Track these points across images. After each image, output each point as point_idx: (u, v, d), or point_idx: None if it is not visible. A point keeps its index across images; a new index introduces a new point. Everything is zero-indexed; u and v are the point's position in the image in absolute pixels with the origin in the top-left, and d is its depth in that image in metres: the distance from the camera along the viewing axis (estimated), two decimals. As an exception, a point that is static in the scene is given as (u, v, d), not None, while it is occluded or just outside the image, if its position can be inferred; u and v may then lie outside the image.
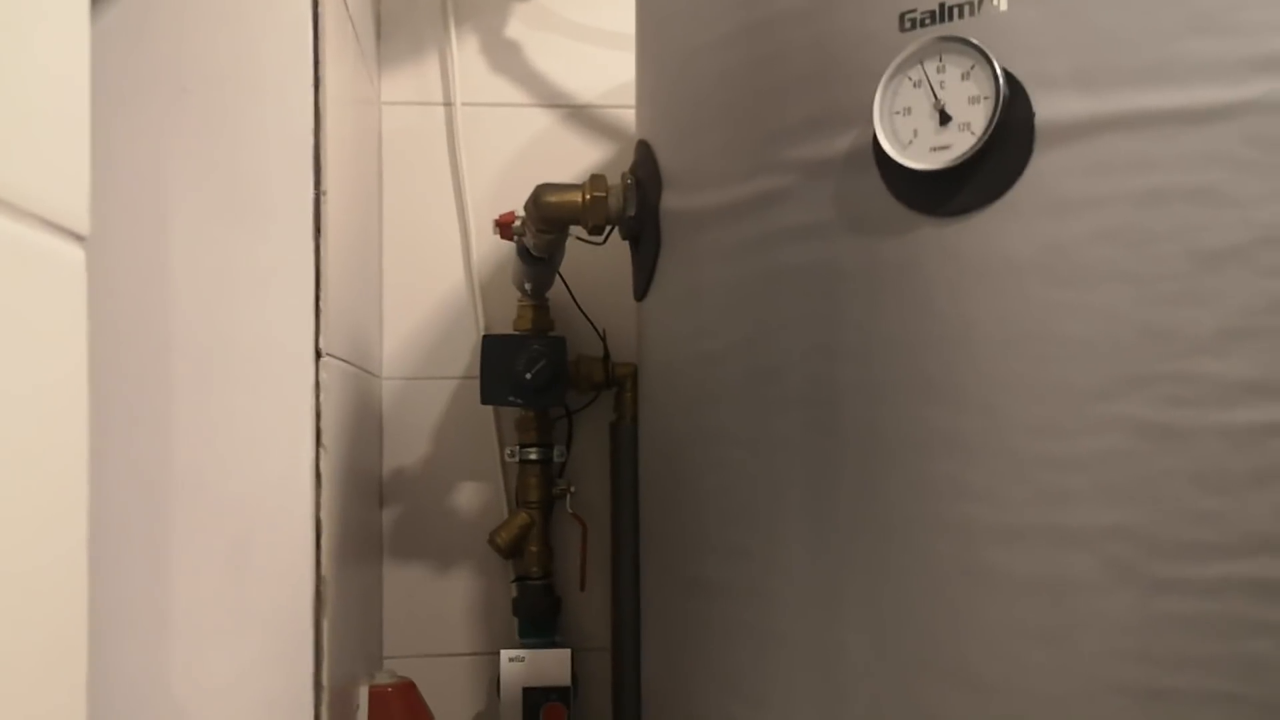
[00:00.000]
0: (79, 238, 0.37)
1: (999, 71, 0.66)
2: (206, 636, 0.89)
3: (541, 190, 1.05)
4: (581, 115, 1.45)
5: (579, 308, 1.39)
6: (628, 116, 1.40)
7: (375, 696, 1.16)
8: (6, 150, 0.31)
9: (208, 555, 0.89)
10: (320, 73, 0.94)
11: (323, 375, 0.95)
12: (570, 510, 1.39)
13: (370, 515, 1.31)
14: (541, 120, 1.44)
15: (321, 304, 0.94)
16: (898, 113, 0.71)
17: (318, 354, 0.94)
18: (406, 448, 1.42)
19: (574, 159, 1.43)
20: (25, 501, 0.33)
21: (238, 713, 0.91)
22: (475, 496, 1.43)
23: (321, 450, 0.95)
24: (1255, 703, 0.62)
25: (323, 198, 0.95)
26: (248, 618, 0.92)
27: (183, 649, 0.89)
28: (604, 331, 1.37)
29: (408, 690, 1.19)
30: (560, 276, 1.34)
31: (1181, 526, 0.63)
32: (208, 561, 0.89)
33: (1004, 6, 0.68)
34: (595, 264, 1.35)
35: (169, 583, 0.88)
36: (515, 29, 1.44)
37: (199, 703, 0.89)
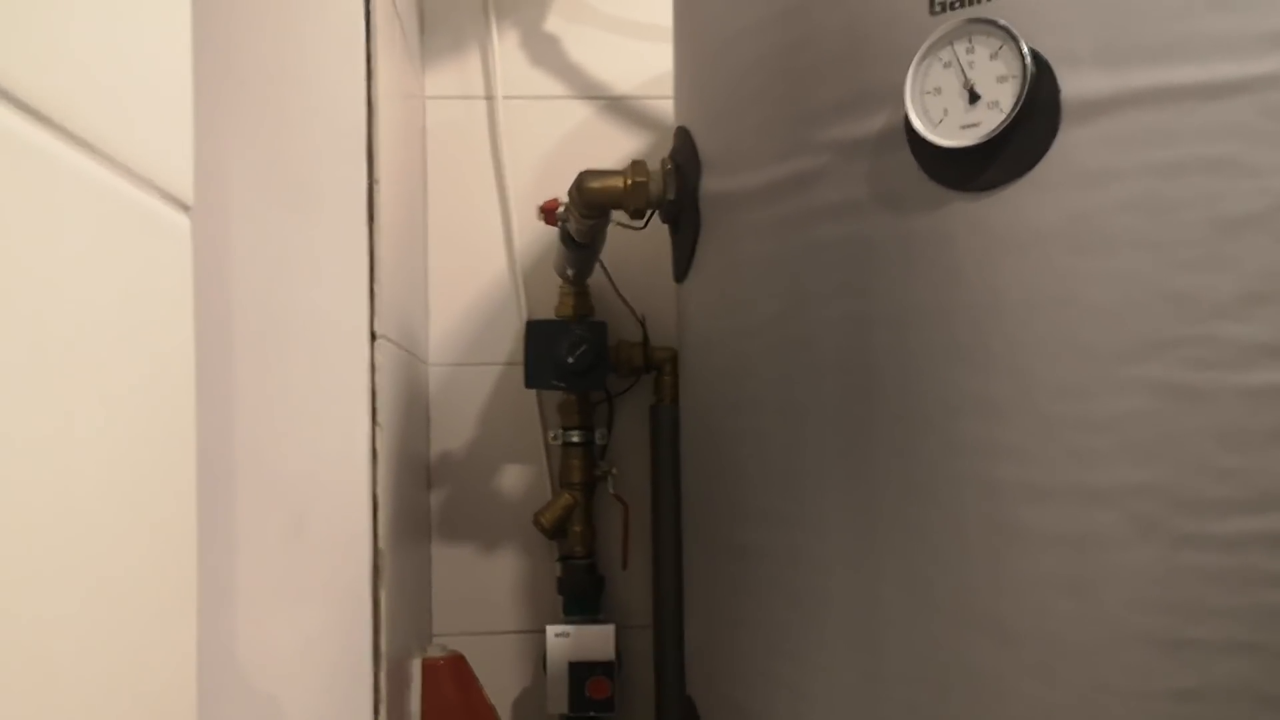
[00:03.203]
0: (185, 207, 0.41)
1: (1026, 51, 0.69)
2: (269, 607, 0.93)
3: (584, 176, 1.09)
4: (620, 106, 1.48)
5: (619, 294, 1.42)
6: (665, 107, 1.44)
7: (428, 669, 1.21)
8: (129, 120, 0.35)
9: (269, 529, 0.93)
10: (372, 66, 0.98)
11: (377, 356, 0.98)
12: (612, 491, 1.43)
13: (419, 497, 1.35)
14: (581, 112, 1.48)
15: (375, 288, 0.98)
16: (928, 92, 0.74)
17: (373, 336, 0.98)
18: (453, 432, 1.46)
19: (613, 149, 1.47)
20: (144, 444, 0.37)
21: (302, 680, 0.95)
22: (520, 479, 1.47)
23: (377, 428, 0.98)
24: (1274, 651, 0.64)
25: (376, 186, 0.99)
26: (309, 589, 0.96)
27: (247, 619, 0.93)
28: (643, 317, 1.41)
29: (458, 662, 1.23)
30: (601, 263, 1.37)
31: (1203, 484, 0.66)
32: (269, 535, 0.93)
33: (1030, -12, 0.71)
34: (635, 251, 1.39)
35: (233, 555, 0.92)
36: (554, 23, 1.48)
37: (264, 670, 0.93)
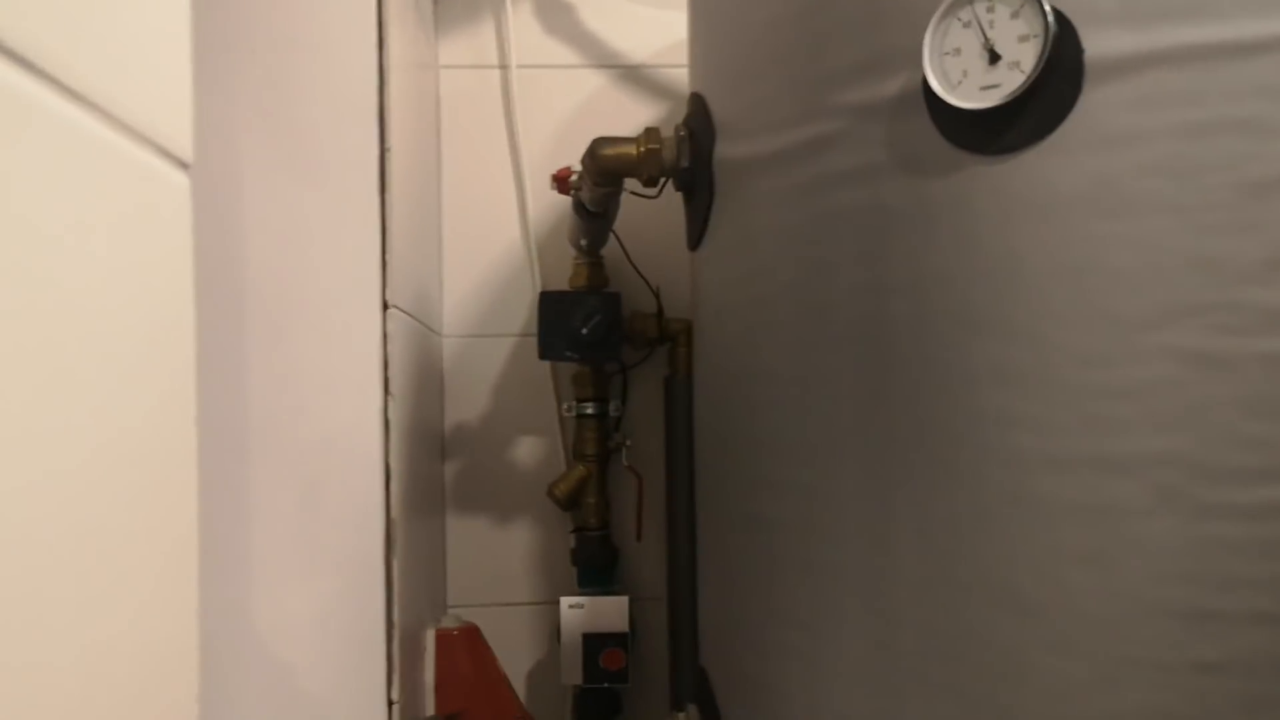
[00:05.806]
0: (184, 164, 0.40)
1: (1048, 9, 0.68)
2: (284, 576, 0.93)
3: (598, 144, 1.07)
4: (634, 75, 1.47)
5: (633, 264, 1.41)
6: (680, 76, 1.42)
7: (442, 639, 1.21)
8: (124, 74, 0.35)
9: (283, 498, 0.93)
10: (383, 34, 0.97)
11: (390, 326, 0.98)
12: (626, 463, 1.43)
13: (433, 468, 1.35)
14: (595, 81, 1.46)
15: (388, 257, 0.98)
16: (947, 53, 0.72)
17: (384, 305, 0.97)
18: (467, 403, 1.46)
19: (627, 118, 1.45)
20: (140, 401, 0.37)
21: (316, 647, 0.95)
22: (534, 450, 1.47)
23: (390, 398, 0.98)
24: (1300, 622, 0.63)
25: (387, 154, 0.98)
26: (322, 558, 0.96)
27: (262, 587, 0.93)
28: (657, 288, 1.40)
29: (472, 633, 1.23)
30: (614, 234, 1.36)
31: (1227, 452, 0.64)
32: (283, 504, 0.93)
33: (1052, -55, 0.69)
34: (649, 222, 1.37)
35: (248, 524, 0.92)
36: (568, -9, 1.46)
37: (279, 638, 0.93)
